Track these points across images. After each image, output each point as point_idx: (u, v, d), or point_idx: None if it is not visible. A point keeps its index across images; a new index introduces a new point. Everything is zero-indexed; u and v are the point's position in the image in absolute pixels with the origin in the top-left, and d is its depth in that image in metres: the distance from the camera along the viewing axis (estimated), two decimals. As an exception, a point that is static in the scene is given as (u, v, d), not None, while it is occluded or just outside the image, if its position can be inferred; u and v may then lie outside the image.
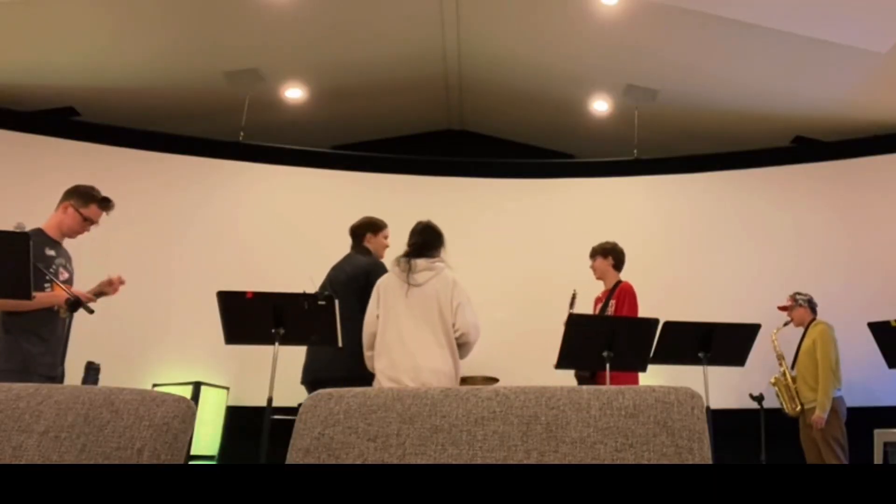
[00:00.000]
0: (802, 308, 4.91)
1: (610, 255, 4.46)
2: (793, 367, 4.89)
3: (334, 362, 3.64)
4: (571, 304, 4.29)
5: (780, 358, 4.96)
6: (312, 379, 3.74)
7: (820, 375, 4.58)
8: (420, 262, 3.41)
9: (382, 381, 3.33)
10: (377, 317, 3.40)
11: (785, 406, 4.80)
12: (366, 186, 6.37)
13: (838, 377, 4.61)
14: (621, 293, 4.32)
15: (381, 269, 3.79)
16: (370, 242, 4.03)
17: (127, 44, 5.62)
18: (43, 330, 3.27)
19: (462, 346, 3.39)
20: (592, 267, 4.51)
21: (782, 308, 4.99)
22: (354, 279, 3.80)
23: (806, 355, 4.73)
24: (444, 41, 6.15)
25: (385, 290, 3.43)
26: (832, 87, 5.52)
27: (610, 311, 4.31)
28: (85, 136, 6.09)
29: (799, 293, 4.96)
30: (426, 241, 3.50)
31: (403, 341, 3.30)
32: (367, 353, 3.45)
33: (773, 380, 4.89)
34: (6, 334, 3.20)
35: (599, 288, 4.55)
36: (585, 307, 4.47)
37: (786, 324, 4.99)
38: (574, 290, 4.36)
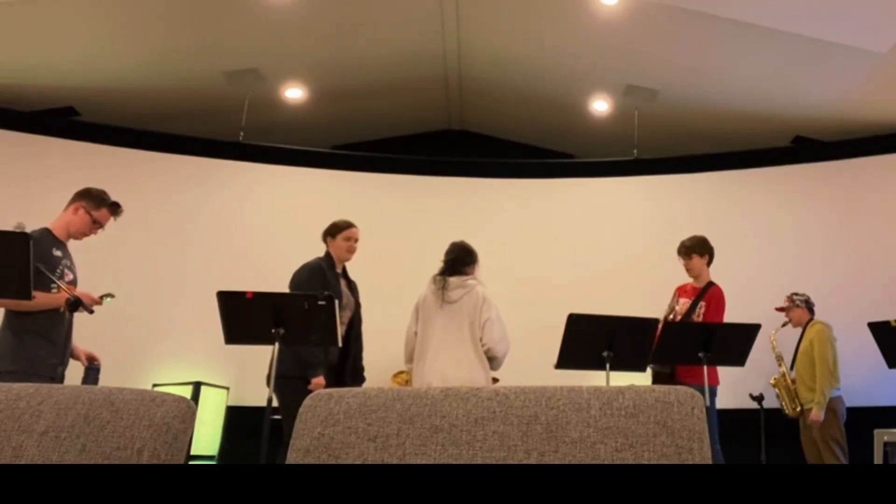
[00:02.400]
0: (800, 309, 4.90)
1: (705, 251, 4.30)
2: (791, 367, 4.89)
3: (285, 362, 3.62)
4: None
5: (780, 359, 4.95)
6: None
7: (817, 374, 4.57)
8: (453, 281, 3.70)
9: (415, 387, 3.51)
10: (415, 333, 3.71)
11: (785, 407, 4.80)
12: (366, 186, 6.37)
13: (837, 377, 4.60)
14: (713, 297, 4.19)
15: (303, 276, 3.79)
16: (330, 246, 3.99)
17: (127, 44, 5.62)
18: (49, 332, 3.26)
19: (491, 360, 3.66)
20: (688, 266, 4.30)
21: (780, 309, 4.97)
22: (290, 286, 3.84)
23: (804, 356, 4.73)
24: (444, 41, 6.15)
25: (423, 307, 3.73)
26: (832, 87, 5.52)
27: (699, 311, 4.21)
28: (85, 136, 6.09)
29: (796, 293, 4.95)
30: (457, 259, 3.78)
31: (436, 353, 3.59)
32: (406, 366, 3.76)
33: (773, 380, 4.87)
34: (12, 336, 3.20)
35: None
36: (667, 295, 4.39)
37: (784, 324, 4.98)
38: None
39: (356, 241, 4.02)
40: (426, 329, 3.67)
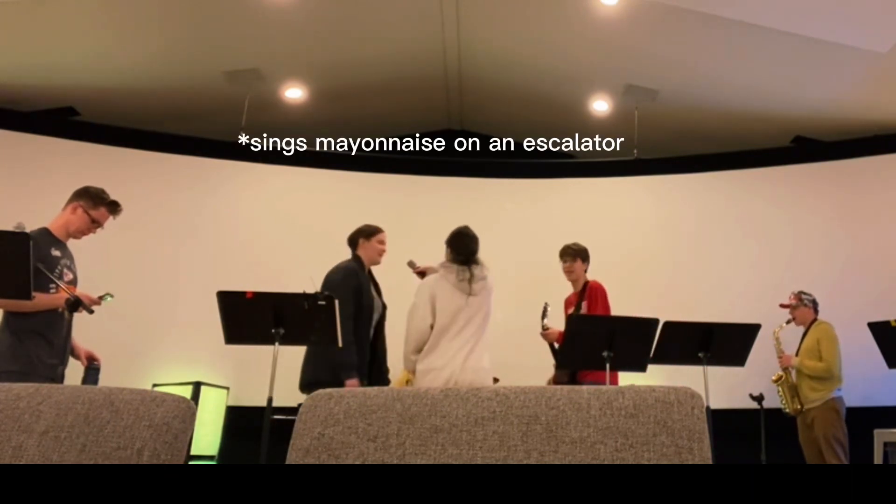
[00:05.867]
0: (807, 308, 4.88)
1: (587, 259, 4.43)
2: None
3: (318, 367, 3.68)
4: (544, 316, 4.21)
5: (782, 355, 4.90)
6: (304, 382, 3.77)
7: (821, 365, 4.59)
8: (476, 272, 3.67)
9: (422, 379, 3.53)
10: (431, 326, 3.59)
11: (786, 405, 4.77)
12: (366, 186, 6.37)
13: (839, 377, 4.61)
14: (593, 292, 4.26)
15: (337, 277, 3.83)
16: (363, 248, 4.04)
17: (127, 44, 5.62)
18: (49, 332, 3.25)
19: None
20: (570, 269, 4.40)
21: (784, 306, 4.94)
22: (322, 287, 3.86)
23: (807, 355, 4.72)
24: (444, 41, 6.15)
25: (441, 298, 3.62)
26: (832, 87, 5.52)
27: (583, 311, 4.27)
28: (85, 136, 6.09)
29: (803, 292, 4.92)
30: (476, 249, 3.77)
31: (454, 344, 3.54)
32: (411, 357, 3.64)
33: (775, 377, 4.83)
34: (11, 336, 3.19)
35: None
36: (556, 311, 4.43)
37: (788, 322, 4.95)
38: (546, 303, 4.30)
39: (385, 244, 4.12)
40: (443, 321, 3.59)
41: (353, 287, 3.79)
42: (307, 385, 3.67)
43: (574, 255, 4.42)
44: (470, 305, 3.62)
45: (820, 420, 4.56)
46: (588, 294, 4.27)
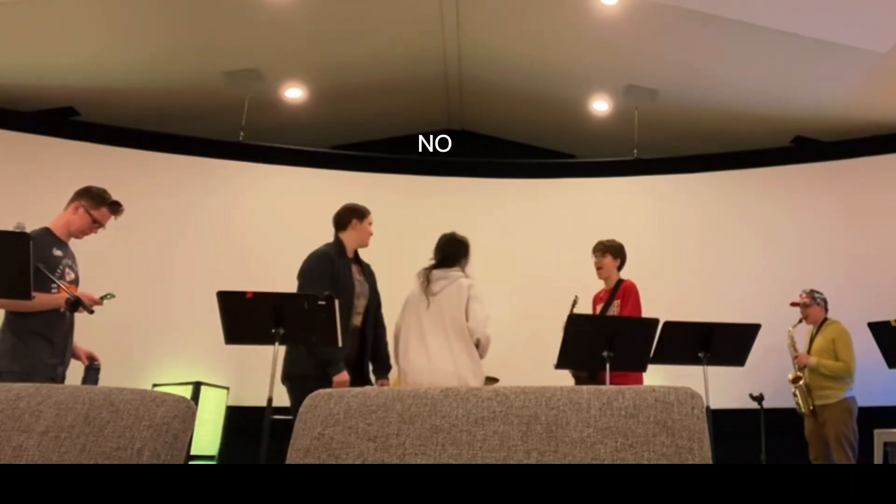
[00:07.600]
0: (819, 306, 4.85)
1: (619, 255, 4.37)
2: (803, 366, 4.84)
3: (304, 361, 3.55)
4: (573, 308, 4.23)
5: (797, 356, 4.86)
6: (283, 375, 3.63)
7: (839, 365, 4.57)
8: (436, 273, 3.73)
9: (399, 382, 3.65)
10: (400, 328, 3.72)
11: (801, 405, 4.75)
12: (366, 186, 6.36)
13: (853, 377, 4.61)
14: (626, 291, 4.23)
15: (310, 266, 3.67)
16: (354, 229, 3.82)
17: (127, 44, 5.62)
18: (50, 332, 3.26)
19: (476, 346, 3.66)
20: (599, 264, 4.35)
21: (796, 304, 4.89)
22: (298, 276, 3.72)
23: (821, 354, 4.69)
24: (444, 41, 6.15)
25: (407, 303, 3.75)
26: (832, 87, 5.52)
27: (615, 310, 4.24)
28: (85, 136, 6.09)
29: (815, 291, 4.90)
30: (447, 254, 3.81)
31: (421, 348, 3.61)
32: (396, 364, 3.73)
33: (792, 376, 4.75)
34: (12, 336, 3.19)
35: (598, 286, 4.52)
36: (584, 307, 4.43)
37: (800, 321, 4.90)
38: (576, 296, 4.29)
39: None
40: (408, 324, 3.67)
41: (329, 274, 3.61)
42: (293, 378, 3.51)
43: (603, 250, 4.38)
44: (433, 306, 3.64)
45: (833, 419, 4.55)
46: (620, 293, 4.25)
